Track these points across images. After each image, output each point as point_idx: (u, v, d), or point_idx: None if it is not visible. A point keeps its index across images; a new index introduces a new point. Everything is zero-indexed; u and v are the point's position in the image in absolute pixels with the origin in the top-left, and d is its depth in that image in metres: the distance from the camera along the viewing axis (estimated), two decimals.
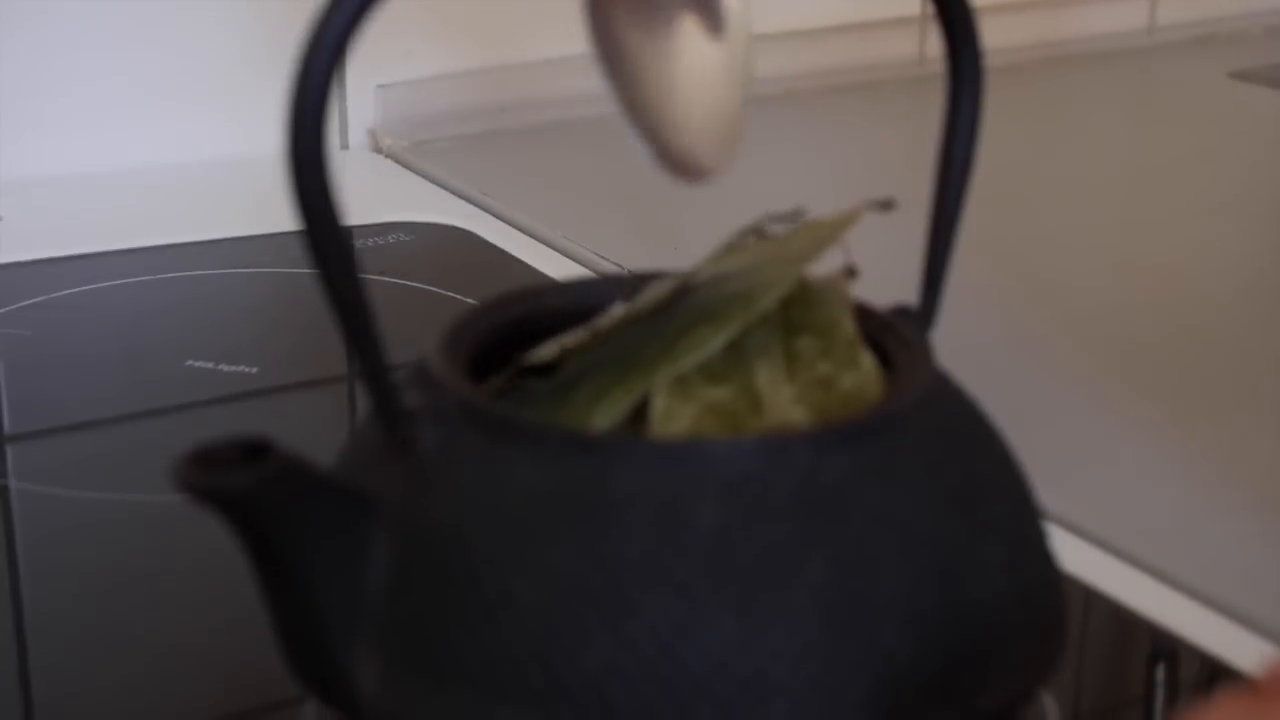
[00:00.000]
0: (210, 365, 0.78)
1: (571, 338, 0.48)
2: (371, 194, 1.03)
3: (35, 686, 0.55)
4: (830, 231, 0.49)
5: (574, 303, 0.51)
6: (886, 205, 0.48)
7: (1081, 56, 1.35)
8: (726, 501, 0.41)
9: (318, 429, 0.72)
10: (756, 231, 0.51)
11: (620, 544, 0.40)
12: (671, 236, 0.89)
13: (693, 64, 0.47)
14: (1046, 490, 0.48)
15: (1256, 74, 1.31)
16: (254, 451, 0.40)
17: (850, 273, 0.50)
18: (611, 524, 0.40)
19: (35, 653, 0.57)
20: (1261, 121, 1.25)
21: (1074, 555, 0.60)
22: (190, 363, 0.78)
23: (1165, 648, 0.59)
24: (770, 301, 0.47)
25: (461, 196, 1.03)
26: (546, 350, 0.48)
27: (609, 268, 0.50)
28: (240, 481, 0.39)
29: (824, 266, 0.50)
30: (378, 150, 1.12)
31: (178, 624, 0.58)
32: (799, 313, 0.49)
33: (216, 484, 0.39)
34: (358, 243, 0.41)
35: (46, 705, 0.54)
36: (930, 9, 0.48)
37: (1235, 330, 0.86)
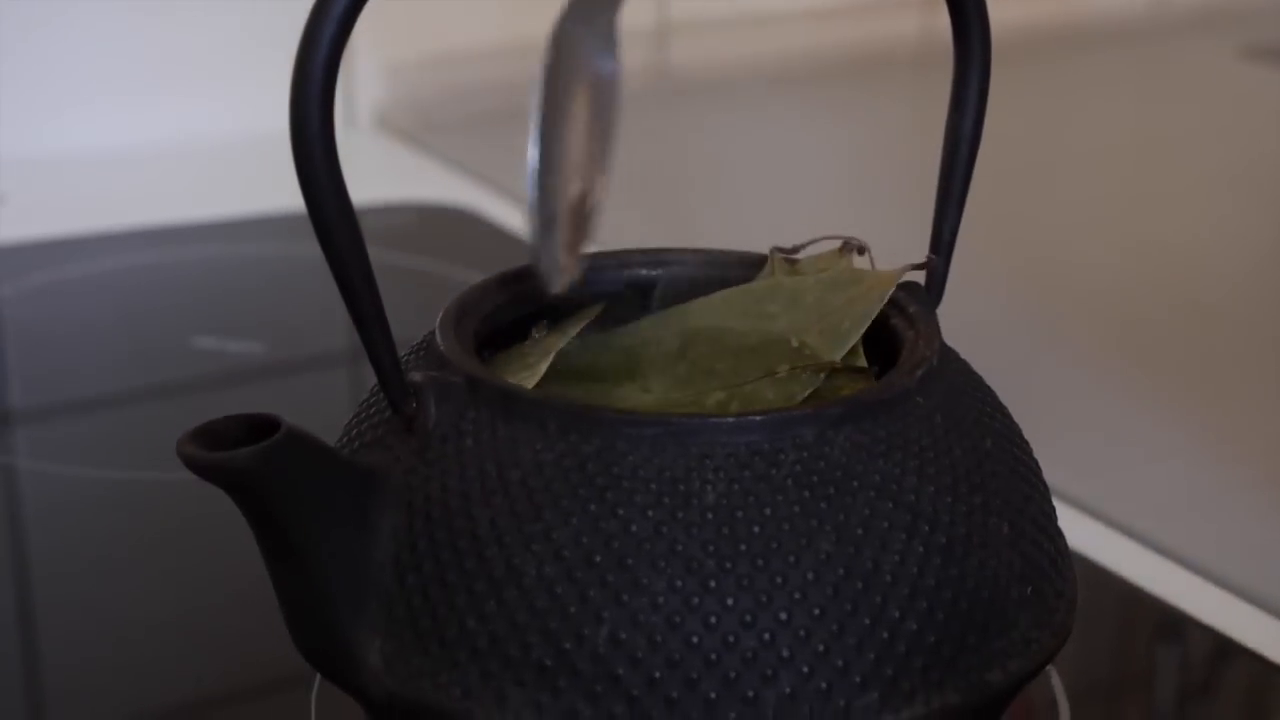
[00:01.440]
0: (216, 343, 0.78)
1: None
2: (378, 172, 1.03)
3: (43, 661, 0.56)
4: (872, 301, 0.49)
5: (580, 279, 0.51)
6: (922, 265, 0.49)
7: (1088, 34, 1.34)
8: (732, 478, 0.41)
9: (324, 405, 0.72)
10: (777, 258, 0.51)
11: (626, 520, 0.40)
12: (677, 216, 0.89)
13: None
14: (1052, 467, 0.48)
15: (1264, 51, 1.31)
16: (260, 428, 0.40)
17: (860, 250, 0.50)
18: (618, 500, 0.40)
19: (43, 628, 0.57)
20: (1269, 99, 1.25)
21: (1080, 532, 0.60)
22: (196, 340, 0.78)
23: (1172, 624, 0.59)
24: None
25: (468, 175, 1.03)
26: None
27: (613, 246, 0.50)
28: (246, 458, 0.39)
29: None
30: (385, 129, 1.12)
31: (184, 602, 0.58)
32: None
33: (222, 461, 0.39)
34: (364, 221, 0.40)
35: (54, 680, 0.54)
36: None
37: (1242, 308, 0.86)
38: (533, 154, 0.39)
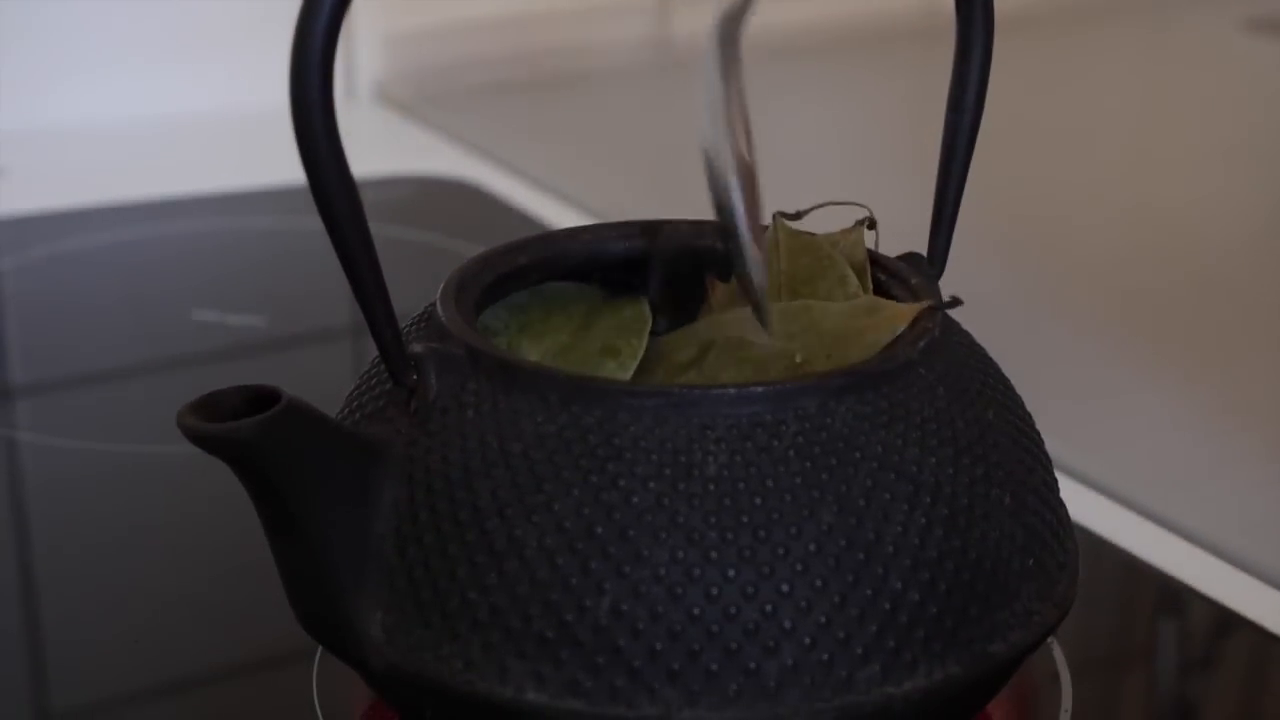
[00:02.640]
0: (217, 316, 0.78)
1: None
2: (378, 145, 1.03)
3: (45, 634, 0.56)
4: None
5: (579, 251, 0.51)
6: (951, 304, 0.48)
7: (1091, 5, 1.34)
8: (734, 449, 0.41)
9: (325, 379, 0.72)
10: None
11: (628, 491, 0.40)
12: (676, 187, 0.89)
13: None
14: (1055, 439, 0.48)
15: (1267, 23, 1.30)
16: (261, 399, 0.40)
17: (870, 224, 0.50)
18: (619, 471, 0.40)
19: (44, 601, 0.57)
20: (1271, 71, 1.24)
21: (1082, 504, 0.60)
22: (198, 314, 0.78)
23: (1173, 596, 0.59)
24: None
25: (468, 148, 1.02)
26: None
27: (615, 218, 0.50)
28: (247, 429, 0.39)
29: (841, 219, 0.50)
30: (385, 101, 1.12)
31: (185, 575, 0.58)
32: (806, 275, 0.49)
33: (223, 432, 0.39)
34: (363, 194, 0.40)
35: (56, 653, 0.54)
36: None
37: (1244, 280, 0.86)
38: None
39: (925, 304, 0.46)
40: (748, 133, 0.45)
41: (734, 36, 0.45)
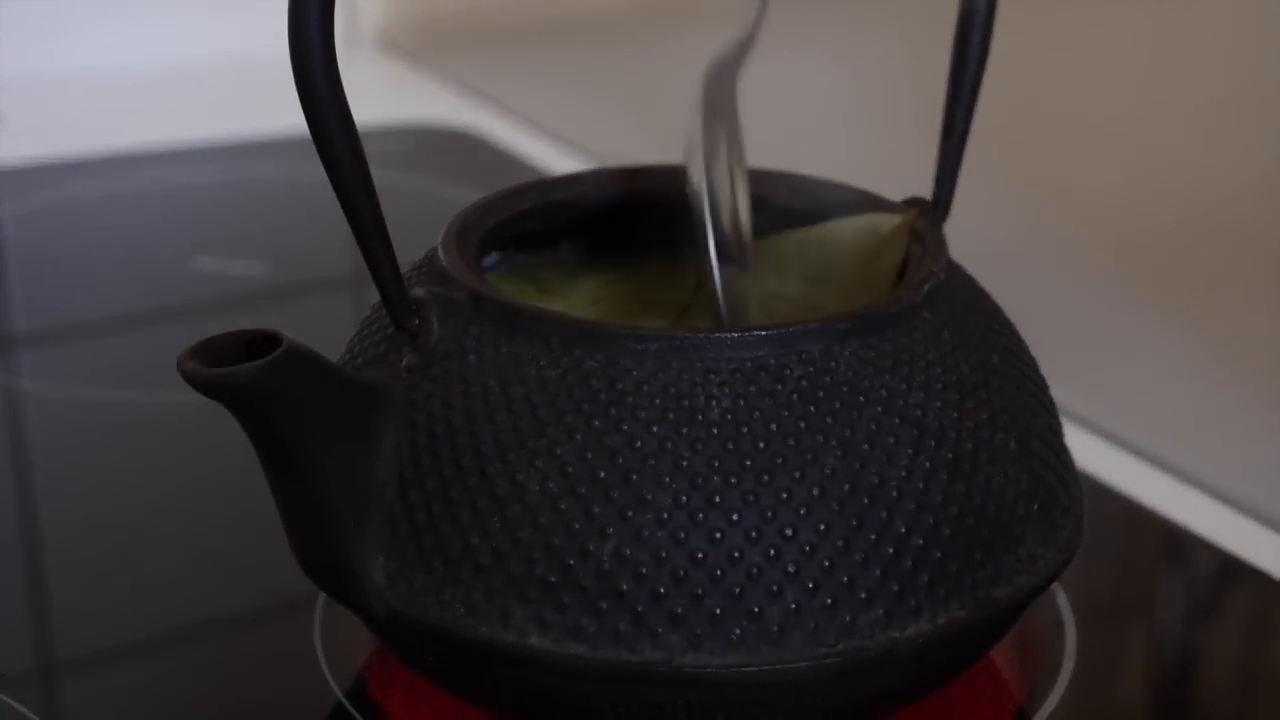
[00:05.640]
0: (219, 265, 0.78)
1: None
2: (381, 93, 1.02)
3: (47, 583, 0.56)
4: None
5: (581, 196, 0.51)
6: None
7: None
8: (737, 393, 0.40)
9: (327, 329, 0.72)
10: None
11: (631, 435, 0.40)
12: (678, 133, 0.88)
13: None
14: (1059, 385, 0.48)
15: None
16: (261, 344, 0.39)
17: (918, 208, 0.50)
18: (622, 415, 0.40)
19: (47, 550, 0.57)
20: (1276, 16, 1.24)
21: (1086, 450, 0.60)
22: (199, 263, 0.78)
23: (1178, 543, 0.59)
24: None
25: (472, 96, 1.02)
26: None
27: (616, 164, 0.50)
28: (247, 374, 0.39)
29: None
30: (388, 49, 1.11)
31: (187, 523, 0.58)
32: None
33: (223, 377, 0.39)
34: (365, 143, 0.40)
35: (59, 602, 0.54)
36: None
37: (1249, 226, 0.85)
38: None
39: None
40: (738, 168, 0.47)
41: (727, 83, 0.48)
